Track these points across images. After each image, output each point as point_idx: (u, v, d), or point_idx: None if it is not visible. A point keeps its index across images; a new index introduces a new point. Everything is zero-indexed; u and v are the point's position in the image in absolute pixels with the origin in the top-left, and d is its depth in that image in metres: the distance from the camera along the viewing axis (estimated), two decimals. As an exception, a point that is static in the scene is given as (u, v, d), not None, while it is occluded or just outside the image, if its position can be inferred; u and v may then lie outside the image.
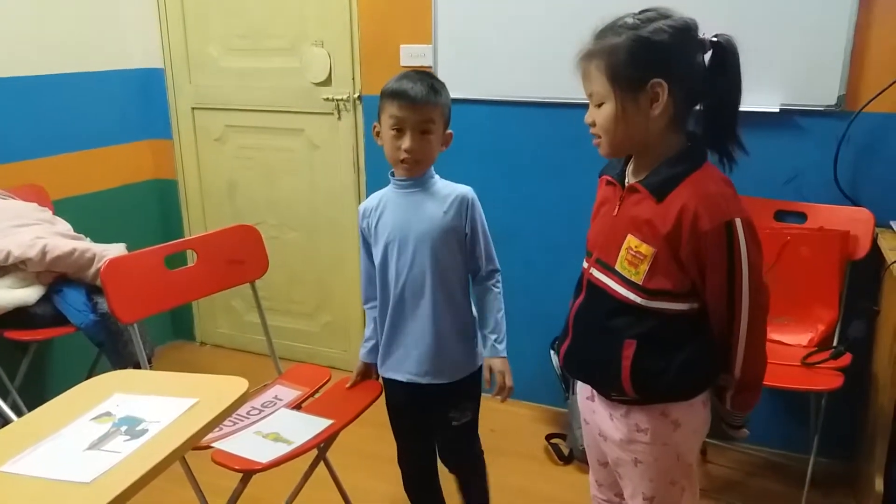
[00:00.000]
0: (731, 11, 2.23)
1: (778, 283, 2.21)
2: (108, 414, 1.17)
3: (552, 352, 2.71)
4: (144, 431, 1.10)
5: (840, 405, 2.23)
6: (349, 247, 3.04)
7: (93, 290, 2.48)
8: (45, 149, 2.86)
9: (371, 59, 2.81)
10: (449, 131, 1.70)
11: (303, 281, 3.19)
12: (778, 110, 2.24)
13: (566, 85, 2.46)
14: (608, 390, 1.40)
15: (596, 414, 1.47)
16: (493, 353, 1.74)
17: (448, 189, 1.71)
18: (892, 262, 1.92)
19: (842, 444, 2.38)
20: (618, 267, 1.32)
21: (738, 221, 1.22)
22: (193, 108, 3.20)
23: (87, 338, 2.48)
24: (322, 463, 2.03)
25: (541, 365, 2.71)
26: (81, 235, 2.61)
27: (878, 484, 2.01)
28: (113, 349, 2.48)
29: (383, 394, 1.88)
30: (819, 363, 2.07)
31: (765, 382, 1.92)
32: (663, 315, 1.30)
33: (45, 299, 2.42)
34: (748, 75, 2.24)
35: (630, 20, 1.25)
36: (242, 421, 1.80)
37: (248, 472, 1.60)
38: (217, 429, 1.68)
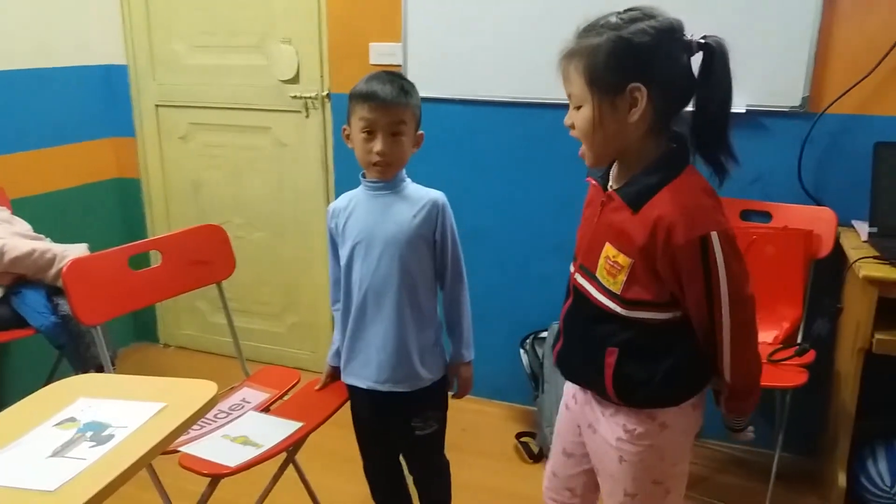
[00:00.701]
0: (697, 13, 2.24)
1: (744, 282, 2.26)
2: (73, 419, 1.13)
3: (522, 351, 2.72)
4: (111, 437, 1.07)
5: (804, 402, 2.27)
6: (317, 247, 3.01)
7: (53, 292, 2.42)
8: (2, 146, 2.78)
9: (340, 57, 2.78)
10: (420, 132, 1.68)
11: (269, 281, 3.15)
12: (744, 111, 2.28)
13: (537, 84, 2.51)
14: (596, 392, 1.40)
15: (588, 405, 1.44)
16: (459, 359, 1.76)
17: (420, 193, 1.68)
18: (854, 261, 1.96)
19: (806, 439, 2.42)
20: (598, 275, 1.30)
21: (713, 235, 1.17)
22: (157, 106, 3.14)
23: (47, 340, 2.42)
24: (291, 465, 2.00)
25: (511, 364, 2.72)
26: (41, 236, 2.54)
27: (841, 479, 2.06)
28: (74, 352, 2.42)
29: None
30: (784, 360, 2.11)
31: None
32: (644, 324, 1.27)
33: (3, 301, 2.36)
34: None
35: (613, 19, 1.20)
36: (210, 424, 1.77)
37: (217, 476, 1.57)
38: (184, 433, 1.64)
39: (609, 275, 1.27)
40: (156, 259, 2.04)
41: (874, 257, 1.95)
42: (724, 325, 1.22)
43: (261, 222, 3.09)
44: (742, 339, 1.25)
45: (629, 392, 1.32)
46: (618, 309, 1.27)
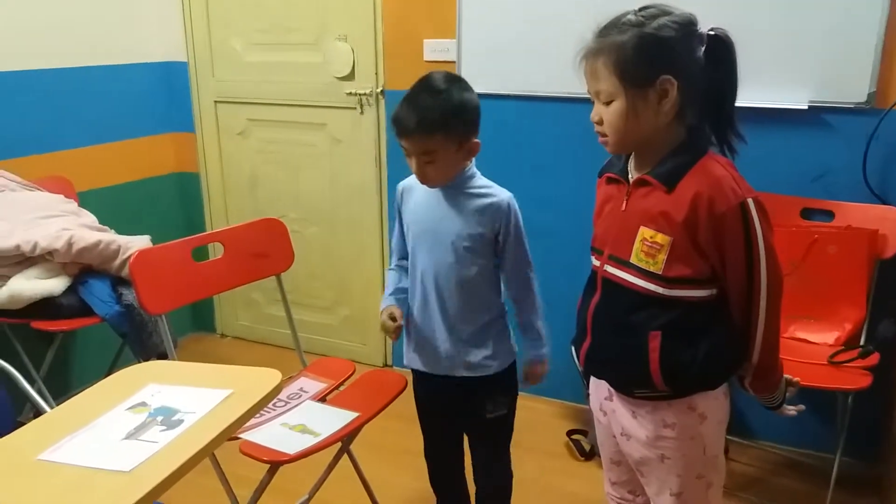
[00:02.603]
0: (761, 9, 2.21)
1: (805, 282, 2.22)
2: (144, 404, 1.18)
3: (573, 349, 2.70)
4: (180, 422, 1.11)
5: (867, 405, 2.21)
6: (369, 242, 3.05)
7: (118, 282, 2.50)
8: (70, 141, 2.88)
9: (394, 53, 2.80)
10: (475, 140, 1.64)
11: (323, 275, 3.20)
12: (806, 107, 2.22)
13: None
14: (632, 387, 1.40)
15: (616, 413, 1.46)
16: (536, 359, 1.76)
17: (487, 191, 1.67)
18: (923, 261, 1.90)
19: (868, 444, 2.36)
20: (633, 260, 1.32)
21: (750, 202, 1.24)
22: (216, 102, 3.21)
23: (111, 328, 2.50)
24: (346, 455, 2.03)
25: (563, 361, 2.69)
26: (106, 227, 2.62)
27: (906, 485, 2.00)
28: (137, 340, 2.49)
29: (409, 387, 1.88)
30: (846, 362, 2.06)
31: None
32: (685, 303, 1.30)
33: (70, 290, 2.43)
34: (777, 73, 2.25)
35: (633, 17, 1.26)
36: (269, 413, 1.81)
37: (276, 463, 1.61)
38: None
39: (648, 256, 1.30)
40: (216, 251, 2.10)
41: (944, 257, 1.89)
42: (762, 289, 1.26)
43: (315, 217, 3.14)
44: (774, 310, 1.29)
45: (675, 376, 1.32)
46: (659, 289, 1.29)
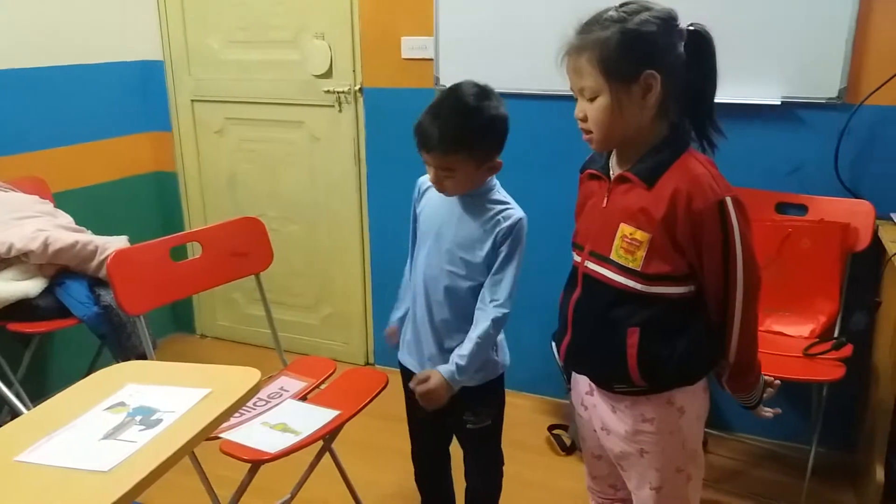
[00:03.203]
0: (734, 4, 2.24)
1: (779, 276, 2.25)
2: (122, 404, 1.17)
3: (553, 344, 2.72)
4: (159, 421, 1.10)
5: (841, 396, 2.26)
6: (350, 239, 3.05)
7: (95, 283, 2.48)
8: (45, 141, 2.85)
9: (372, 51, 2.80)
10: (498, 160, 1.60)
11: (303, 273, 3.19)
12: (779, 103, 2.26)
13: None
14: (612, 382, 1.41)
15: (597, 408, 1.47)
16: (446, 373, 1.58)
17: (500, 207, 1.61)
18: (894, 254, 1.93)
19: (843, 434, 2.40)
20: (613, 256, 1.33)
21: (728, 200, 1.25)
22: (193, 101, 3.19)
23: (89, 330, 2.48)
24: (328, 454, 2.03)
25: (542, 357, 2.72)
26: (83, 228, 2.60)
27: (879, 473, 2.04)
28: (115, 341, 2.47)
29: (390, 386, 1.89)
30: (821, 354, 2.09)
31: (767, 373, 1.96)
32: (663, 300, 1.31)
33: (47, 292, 2.42)
34: (750, 69, 2.28)
35: (615, 13, 1.26)
36: (249, 412, 1.81)
37: (257, 462, 1.61)
38: (224, 420, 1.68)
39: (627, 253, 1.31)
40: (194, 251, 2.09)
41: (914, 250, 1.93)
42: (738, 289, 1.28)
43: (295, 215, 3.13)
44: (750, 307, 1.30)
45: (653, 372, 1.34)
46: (637, 286, 1.30)
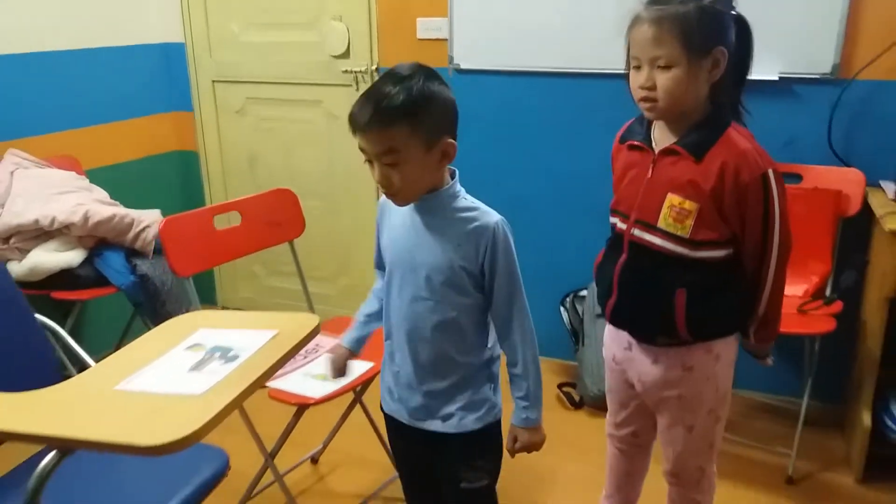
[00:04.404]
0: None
1: (776, 240, 2.41)
2: (199, 345, 1.32)
3: (562, 308, 2.89)
4: (236, 357, 1.26)
5: (832, 352, 2.42)
6: (367, 214, 3.19)
7: (131, 254, 2.63)
8: (74, 121, 2.98)
9: (388, 32, 2.93)
10: (449, 141, 1.33)
11: (323, 247, 3.33)
12: (777, 78, 2.40)
13: (576, 56, 2.65)
14: (656, 337, 1.54)
15: (635, 361, 1.60)
16: (519, 422, 1.46)
17: (470, 214, 1.37)
18: (881, 216, 2.10)
19: (834, 388, 2.57)
20: (661, 224, 1.44)
21: (770, 172, 1.38)
22: (214, 82, 3.33)
23: (127, 298, 2.64)
24: (359, 406, 2.20)
25: (551, 322, 2.89)
26: (117, 202, 2.74)
27: (866, 419, 2.21)
28: (151, 308, 2.63)
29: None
30: (813, 310, 2.26)
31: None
32: (706, 263, 1.44)
33: (87, 262, 2.57)
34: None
35: None
36: (290, 366, 1.96)
37: (303, 405, 1.77)
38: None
39: (676, 221, 1.42)
40: (230, 221, 2.23)
41: (900, 212, 2.09)
42: (773, 251, 1.41)
43: (314, 191, 3.27)
44: (781, 269, 1.44)
45: (699, 327, 1.48)
46: (685, 251, 1.43)
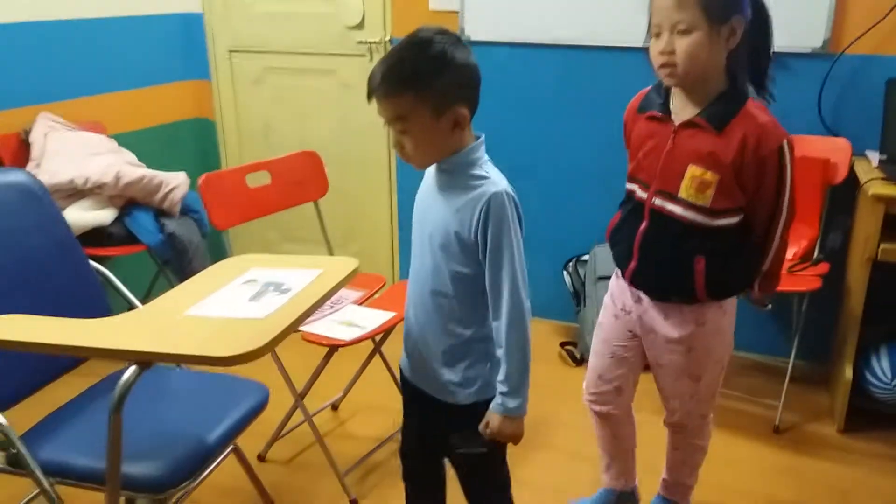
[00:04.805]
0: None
1: (767, 206, 2.57)
2: (254, 280, 1.48)
3: (565, 272, 3.05)
4: (289, 290, 1.41)
5: (819, 313, 2.60)
6: (377, 181, 3.34)
7: (159, 213, 2.77)
8: (98, 87, 3.10)
9: (402, 3, 3.06)
10: (460, 110, 1.31)
11: (333, 213, 3.45)
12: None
13: (587, 28, 2.79)
14: (674, 297, 1.63)
15: (645, 315, 1.69)
16: (495, 407, 1.39)
17: (477, 182, 1.35)
18: (865, 182, 2.26)
19: (820, 348, 2.75)
20: (682, 194, 1.51)
21: (785, 143, 1.47)
22: (231, 52, 3.45)
23: (155, 255, 2.78)
24: (378, 356, 2.36)
25: (553, 285, 3.05)
26: (143, 164, 2.88)
27: (848, 372, 2.39)
28: (178, 266, 2.78)
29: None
30: (801, 270, 2.43)
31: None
32: (722, 230, 1.53)
33: (117, 221, 2.71)
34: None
35: None
36: (319, 314, 2.12)
37: (335, 346, 1.93)
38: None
39: (697, 192, 1.50)
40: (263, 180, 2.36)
41: (882, 179, 2.25)
42: (782, 217, 1.52)
43: (326, 159, 3.37)
44: (786, 230, 1.56)
45: (718, 291, 1.59)
46: (705, 220, 1.52)
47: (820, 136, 2.58)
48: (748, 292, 1.68)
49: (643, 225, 1.61)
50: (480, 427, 1.41)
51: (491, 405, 1.39)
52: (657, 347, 1.71)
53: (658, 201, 1.57)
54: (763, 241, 1.57)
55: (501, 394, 1.38)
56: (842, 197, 2.53)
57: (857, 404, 2.44)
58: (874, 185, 2.22)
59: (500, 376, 1.38)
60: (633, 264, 1.65)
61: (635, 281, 1.67)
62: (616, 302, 1.78)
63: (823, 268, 2.44)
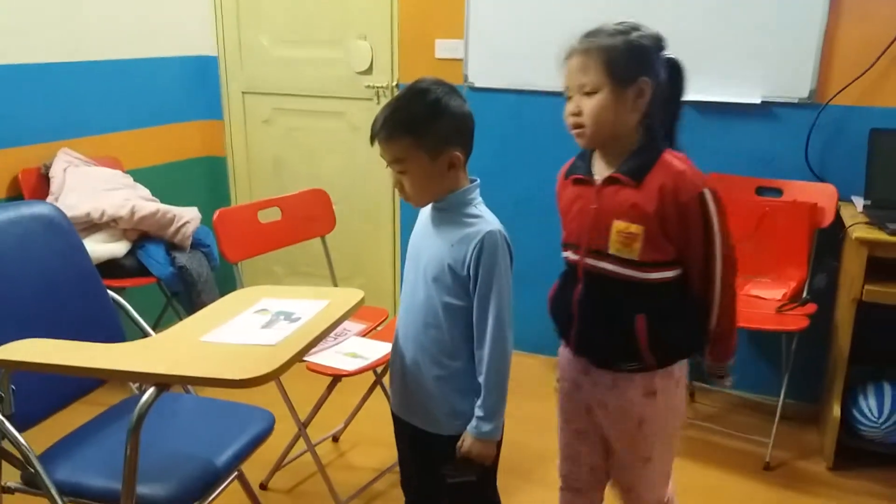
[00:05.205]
0: (722, 19, 2.66)
1: (757, 248, 2.68)
2: (265, 310, 1.57)
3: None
4: (298, 318, 1.50)
5: (808, 353, 2.68)
6: (382, 219, 3.45)
7: (171, 247, 2.87)
8: (118, 124, 3.23)
9: (409, 51, 3.21)
10: (455, 153, 1.44)
11: (339, 248, 3.56)
12: (759, 102, 2.68)
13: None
14: (620, 363, 1.54)
15: (596, 386, 1.58)
16: (471, 428, 1.48)
17: (471, 220, 1.46)
18: (850, 225, 2.36)
19: (810, 387, 2.82)
20: (611, 251, 1.47)
21: (707, 191, 1.43)
22: (244, 93, 3.59)
23: (165, 287, 2.87)
24: (379, 388, 2.43)
25: (546, 320, 3.12)
26: (157, 199, 2.99)
27: (836, 410, 2.46)
28: (187, 298, 2.87)
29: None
30: (789, 310, 2.51)
31: (745, 325, 2.40)
32: (660, 285, 1.47)
33: (130, 253, 2.81)
34: (735, 73, 2.73)
35: (618, 27, 1.44)
36: (323, 345, 2.20)
37: (339, 376, 2.01)
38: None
39: (624, 246, 1.46)
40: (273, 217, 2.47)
41: (866, 223, 2.35)
42: (718, 267, 1.47)
43: (334, 197, 3.50)
44: (728, 281, 1.49)
45: (663, 351, 1.51)
46: (637, 274, 1.47)
47: (808, 182, 2.68)
48: (701, 360, 1.60)
49: (578, 287, 1.55)
50: (457, 445, 1.49)
51: (468, 427, 1.48)
52: (609, 422, 1.61)
53: (590, 261, 1.53)
54: (704, 297, 1.51)
55: (478, 417, 1.47)
56: (828, 240, 2.62)
57: (846, 442, 2.50)
58: (858, 229, 2.32)
59: (479, 401, 1.47)
60: (574, 330, 1.58)
61: (580, 348, 1.59)
62: (566, 377, 1.67)
63: (811, 308, 2.52)
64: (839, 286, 2.59)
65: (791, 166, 2.71)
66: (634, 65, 1.42)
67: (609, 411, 1.59)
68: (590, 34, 1.45)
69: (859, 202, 2.53)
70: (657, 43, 1.46)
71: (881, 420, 2.43)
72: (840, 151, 2.65)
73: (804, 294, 2.64)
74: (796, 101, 2.65)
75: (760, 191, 2.76)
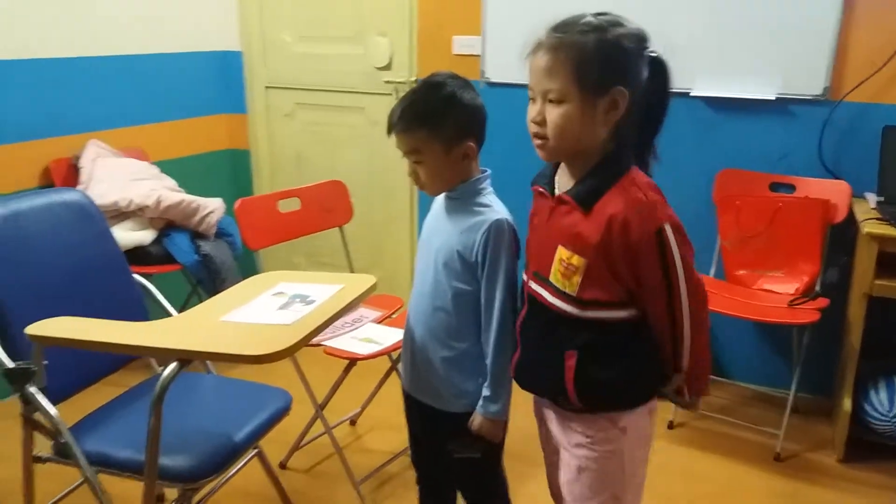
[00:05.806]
0: (736, 15, 2.69)
1: (771, 243, 2.71)
2: (282, 293, 1.64)
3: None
4: (313, 301, 1.57)
5: (821, 347, 2.70)
6: (400, 212, 3.51)
7: (195, 236, 2.96)
8: (144, 117, 3.33)
9: (427, 47, 3.26)
10: (469, 144, 1.49)
11: (357, 240, 3.63)
12: (774, 98, 2.70)
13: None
14: (556, 399, 1.39)
15: (552, 421, 1.46)
16: (479, 407, 1.53)
17: (481, 209, 1.50)
18: (862, 221, 2.38)
19: (822, 381, 2.84)
20: (552, 279, 1.30)
21: (666, 227, 1.21)
22: (267, 87, 3.68)
23: (190, 275, 2.96)
24: (395, 373, 2.50)
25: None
26: (182, 190, 3.08)
27: (847, 403, 2.48)
28: (211, 285, 2.96)
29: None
30: (801, 305, 2.54)
31: (758, 318, 2.41)
32: (601, 324, 1.28)
33: (156, 241, 2.90)
34: (750, 69, 2.75)
35: (593, 20, 1.22)
36: (339, 331, 2.27)
37: (354, 359, 2.08)
38: (322, 334, 2.15)
39: (563, 277, 1.27)
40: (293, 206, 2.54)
41: (877, 219, 2.37)
42: (684, 311, 1.26)
43: (353, 189, 3.58)
44: (699, 321, 1.29)
45: (591, 395, 1.31)
46: (573, 311, 1.27)
47: (821, 179, 2.70)
48: (675, 398, 1.38)
49: (523, 311, 1.42)
50: (468, 424, 1.54)
51: (477, 407, 1.54)
52: (562, 458, 1.45)
53: (533, 285, 1.37)
54: (673, 338, 1.29)
55: (485, 398, 1.52)
56: (841, 235, 2.64)
57: (857, 435, 2.52)
58: (869, 224, 2.34)
59: (486, 381, 1.52)
60: (517, 355, 1.43)
61: (518, 375, 1.45)
62: (536, 409, 1.54)
63: (822, 302, 2.55)
64: (851, 281, 2.61)
65: (805, 162, 2.73)
66: (609, 72, 1.21)
67: (561, 449, 1.44)
68: (560, 27, 1.25)
69: (872, 198, 2.55)
70: (639, 43, 1.24)
71: (892, 414, 2.45)
72: (853, 148, 2.67)
73: (816, 288, 2.66)
74: (810, 97, 2.67)
75: (774, 186, 2.79)
